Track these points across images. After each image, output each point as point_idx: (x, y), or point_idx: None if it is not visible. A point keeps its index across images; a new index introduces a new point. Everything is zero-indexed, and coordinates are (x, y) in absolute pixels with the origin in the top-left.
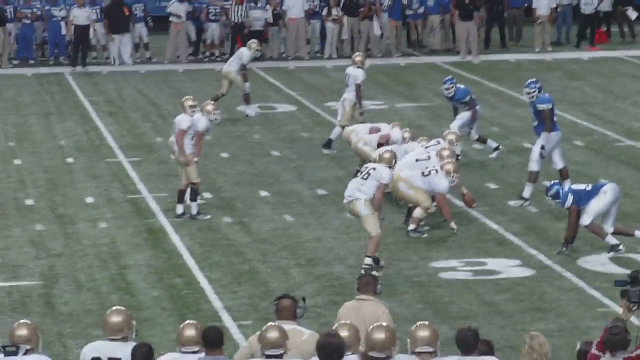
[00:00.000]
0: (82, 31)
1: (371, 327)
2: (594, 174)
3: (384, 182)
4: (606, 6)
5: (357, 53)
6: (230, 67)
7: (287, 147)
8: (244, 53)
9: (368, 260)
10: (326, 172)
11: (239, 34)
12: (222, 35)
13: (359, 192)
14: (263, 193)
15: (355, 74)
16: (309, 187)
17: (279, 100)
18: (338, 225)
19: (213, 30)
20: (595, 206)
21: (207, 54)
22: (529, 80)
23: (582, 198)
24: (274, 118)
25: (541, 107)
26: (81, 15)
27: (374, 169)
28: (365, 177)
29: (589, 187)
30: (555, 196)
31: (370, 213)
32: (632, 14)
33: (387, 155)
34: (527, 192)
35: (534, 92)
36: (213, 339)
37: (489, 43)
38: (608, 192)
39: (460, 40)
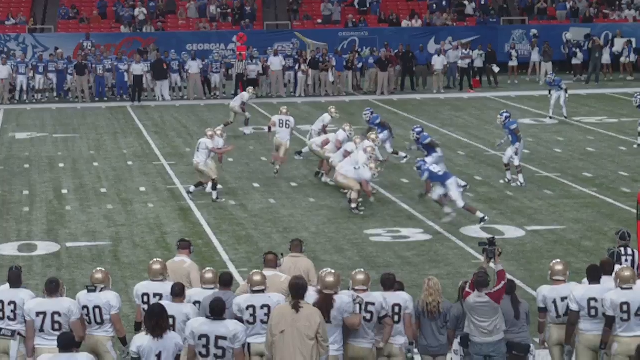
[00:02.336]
0: (138, 79)
1: (323, 272)
2: (471, 172)
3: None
4: (479, 63)
5: (332, 107)
6: (235, 103)
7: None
8: (244, 95)
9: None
10: (297, 171)
11: (240, 81)
12: (222, 82)
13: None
14: (255, 184)
15: (323, 117)
16: (286, 180)
17: (266, 124)
18: (305, 206)
19: (216, 79)
20: (453, 191)
21: (213, 94)
22: (501, 111)
23: (434, 177)
24: (263, 135)
25: (512, 127)
26: (138, 68)
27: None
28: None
29: (441, 173)
30: (419, 169)
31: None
32: (495, 68)
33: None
34: (509, 175)
35: (504, 119)
36: (226, 280)
37: (403, 87)
38: (453, 184)
39: (379, 85)
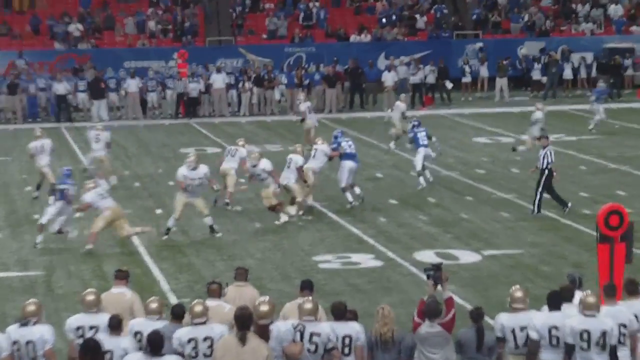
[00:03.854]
0: (61, 98)
1: (257, 302)
2: (423, 194)
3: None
4: (431, 79)
5: (298, 145)
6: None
7: (214, 177)
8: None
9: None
10: (241, 195)
11: (182, 100)
12: (159, 101)
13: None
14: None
15: (297, 159)
16: (231, 206)
17: (209, 145)
18: (250, 231)
19: (152, 98)
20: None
21: (151, 114)
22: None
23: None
24: (205, 157)
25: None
26: (60, 87)
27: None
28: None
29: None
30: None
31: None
32: (448, 84)
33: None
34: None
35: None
36: (177, 312)
37: (352, 104)
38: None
39: (327, 102)
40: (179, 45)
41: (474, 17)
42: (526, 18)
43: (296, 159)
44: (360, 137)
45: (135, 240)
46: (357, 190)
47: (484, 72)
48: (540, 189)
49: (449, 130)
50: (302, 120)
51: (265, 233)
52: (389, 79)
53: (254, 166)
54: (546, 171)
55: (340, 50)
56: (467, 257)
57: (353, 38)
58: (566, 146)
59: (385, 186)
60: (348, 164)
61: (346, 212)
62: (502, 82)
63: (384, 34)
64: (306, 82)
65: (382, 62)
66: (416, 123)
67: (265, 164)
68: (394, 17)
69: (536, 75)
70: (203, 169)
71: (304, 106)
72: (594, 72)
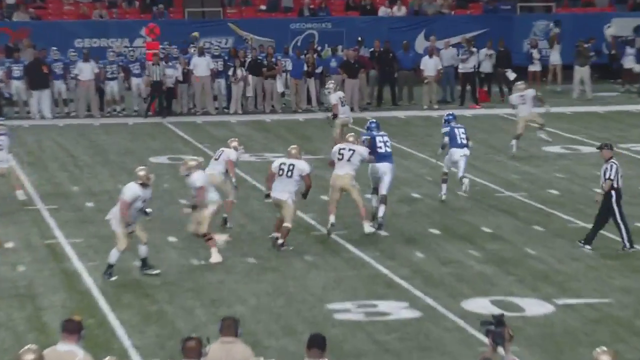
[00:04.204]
0: None
1: None
2: (476, 221)
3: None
4: (487, 68)
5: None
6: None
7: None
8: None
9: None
10: (230, 221)
11: (157, 92)
12: (120, 91)
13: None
14: (171, 238)
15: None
16: (215, 232)
17: (187, 152)
18: (241, 269)
19: (112, 88)
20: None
21: (110, 110)
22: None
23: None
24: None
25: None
26: None
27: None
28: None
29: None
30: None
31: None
32: (510, 75)
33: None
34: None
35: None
36: None
37: (381, 101)
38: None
39: (347, 97)
40: (148, 18)
41: None
42: None
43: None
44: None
45: (87, 277)
46: (381, 211)
47: (555, 57)
48: (619, 217)
49: (510, 135)
50: (334, 116)
51: (263, 271)
52: (429, 66)
53: (187, 176)
54: (613, 192)
55: (365, 27)
56: (535, 307)
57: (383, 11)
58: None
59: (424, 210)
60: (382, 167)
61: (370, 243)
62: (582, 72)
63: (424, 6)
64: (319, 69)
65: (421, 44)
66: (451, 117)
67: (196, 178)
68: None
69: (629, 62)
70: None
71: (335, 97)
72: None
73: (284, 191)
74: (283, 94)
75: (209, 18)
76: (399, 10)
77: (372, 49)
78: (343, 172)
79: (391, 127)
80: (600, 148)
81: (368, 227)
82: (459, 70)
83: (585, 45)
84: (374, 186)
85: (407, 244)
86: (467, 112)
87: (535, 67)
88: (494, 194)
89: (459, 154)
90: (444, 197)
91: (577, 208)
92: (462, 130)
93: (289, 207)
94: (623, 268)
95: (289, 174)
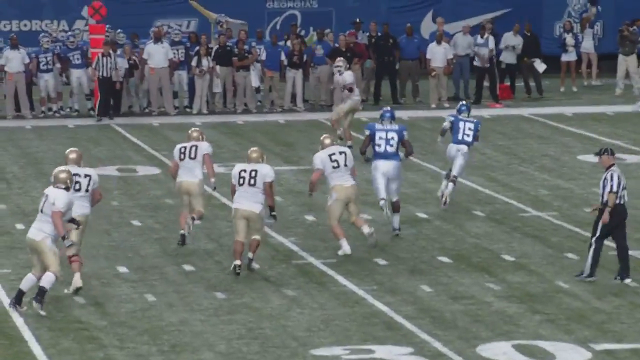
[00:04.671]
0: None
1: None
2: (495, 248)
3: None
4: (510, 57)
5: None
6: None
7: (149, 216)
8: (203, 146)
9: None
10: (194, 244)
11: (106, 87)
12: (57, 87)
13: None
14: (121, 269)
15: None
16: (174, 262)
17: (141, 162)
18: (207, 306)
19: (47, 82)
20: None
21: (45, 109)
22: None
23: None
24: (134, 182)
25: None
26: None
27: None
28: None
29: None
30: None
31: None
32: (539, 66)
33: None
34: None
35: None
36: None
37: (379, 98)
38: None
39: (337, 94)
40: None
41: None
42: None
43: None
44: None
45: (17, 317)
46: (396, 221)
47: (588, 44)
48: (597, 236)
49: (538, 141)
50: (350, 90)
51: (233, 308)
52: (438, 55)
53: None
54: (606, 209)
55: (359, 7)
56: (568, 354)
57: None
58: None
59: (432, 234)
60: (382, 166)
61: (366, 275)
62: (628, 62)
63: None
64: (303, 58)
65: (428, 28)
66: (464, 107)
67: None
68: None
69: None
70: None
71: (350, 75)
72: None
73: (254, 202)
74: (258, 90)
75: None
76: None
77: (367, 34)
78: (349, 183)
79: None
80: (598, 154)
81: (367, 228)
82: (475, 62)
83: (631, 29)
84: (383, 195)
85: (412, 276)
86: (486, 112)
87: (570, 57)
88: (517, 214)
89: (454, 149)
90: (443, 198)
91: None
92: (470, 125)
93: (261, 219)
94: None
95: (252, 181)
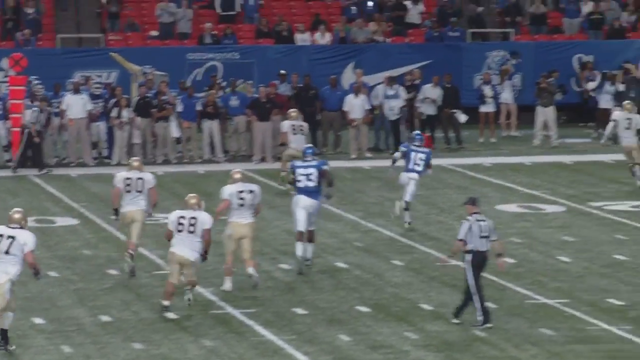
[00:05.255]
0: None
1: None
2: (413, 297)
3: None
4: (430, 109)
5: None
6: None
7: (66, 267)
8: (148, 178)
9: None
10: (110, 296)
11: (30, 141)
12: None
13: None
14: (37, 320)
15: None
16: (91, 312)
17: (59, 213)
18: (124, 357)
19: None
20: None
21: None
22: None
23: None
24: (52, 233)
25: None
26: None
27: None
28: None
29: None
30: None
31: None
32: (461, 117)
33: None
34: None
35: None
36: None
37: None
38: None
39: (256, 144)
40: (11, 47)
41: (501, 5)
42: (589, 8)
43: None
44: None
45: None
46: (309, 251)
47: (507, 95)
48: (473, 286)
49: (456, 191)
50: (282, 144)
51: (150, 359)
52: (356, 106)
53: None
54: (466, 255)
55: (281, 59)
56: None
57: (302, 39)
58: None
59: (351, 284)
60: (302, 201)
61: (284, 324)
62: (546, 114)
63: (353, 32)
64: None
65: (348, 79)
66: (419, 136)
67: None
68: (369, 4)
69: (605, 102)
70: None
71: (287, 125)
72: None
73: (191, 249)
74: (179, 140)
75: (87, 46)
76: (323, 38)
77: (291, 85)
78: (245, 221)
79: None
80: (465, 203)
81: (252, 270)
82: (395, 113)
83: (548, 80)
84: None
85: (330, 325)
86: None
87: (489, 108)
88: (435, 263)
89: (406, 177)
90: (406, 224)
91: (537, 280)
92: (421, 155)
93: (195, 267)
94: (593, 354)
95: (191, 228)
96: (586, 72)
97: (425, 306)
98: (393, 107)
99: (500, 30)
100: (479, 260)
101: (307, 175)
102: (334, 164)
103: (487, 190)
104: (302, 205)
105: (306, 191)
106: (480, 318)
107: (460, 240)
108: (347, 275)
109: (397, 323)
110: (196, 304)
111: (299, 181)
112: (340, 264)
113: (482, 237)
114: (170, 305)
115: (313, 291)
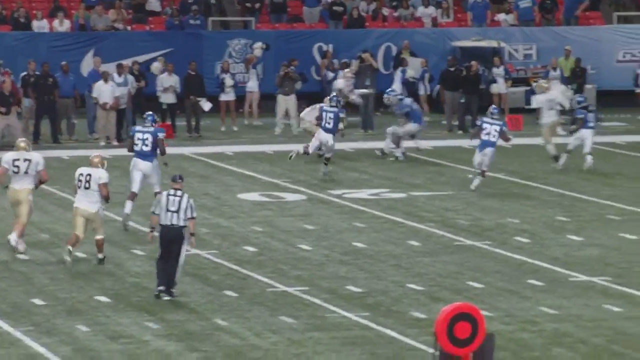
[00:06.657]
0: None
1: None
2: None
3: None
4: (170, 98)
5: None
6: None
7: None
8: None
9: None
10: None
11: None
12: None
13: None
14: None
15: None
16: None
17: None
18: None
19: None
20: None
21: None
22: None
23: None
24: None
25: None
26: None
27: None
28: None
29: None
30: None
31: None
32: (205, 105)
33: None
34: None
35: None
36: None
37: (38, 137)
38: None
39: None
40: None
41: None
42: None
43: (99, 172)
44: (52, 192)
45: None
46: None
47: (252, 84)
48: None
49: (198, 180)
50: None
51: None
52: (105, 92)
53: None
54: None
55: (19, 46)
56: None
57: (39, 26)
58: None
59: (89, 274)
60: (139, 164)
61: (22, 316)
62: (288, 102)
63: (93, 19)
64: None
65: (88, 67)
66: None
67: None
68: None
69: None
70: None
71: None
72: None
73: (93, 202)
74: None
75: None
76: (61, 25)
77: (25, 73)
78: (19, 187)
79: (52, 170)
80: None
81: (14, 238)
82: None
83: (290, 68)
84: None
85: (69, 316)
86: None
87: (229, 97)
88: None
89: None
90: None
91: (278, 269)
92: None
93: (100, 218)
94: (332, 341)
95: (87, 185)
96: (326, 61)
97: (166, 296)
98: (124, 96)
99: (241, 19)
100: (164, 233)
101: (144, 140)
102: (73, 152)
103: (229, 179)
104: (139, 167)
105: (142, 155)
106: (161, 288)
107: (155, 214)
108: (86, 265)
109: (137, 313)
110: None
111: (136, 145)
112: (81, 254)
113: (169, 211)
114: None
115: (52, 281)
